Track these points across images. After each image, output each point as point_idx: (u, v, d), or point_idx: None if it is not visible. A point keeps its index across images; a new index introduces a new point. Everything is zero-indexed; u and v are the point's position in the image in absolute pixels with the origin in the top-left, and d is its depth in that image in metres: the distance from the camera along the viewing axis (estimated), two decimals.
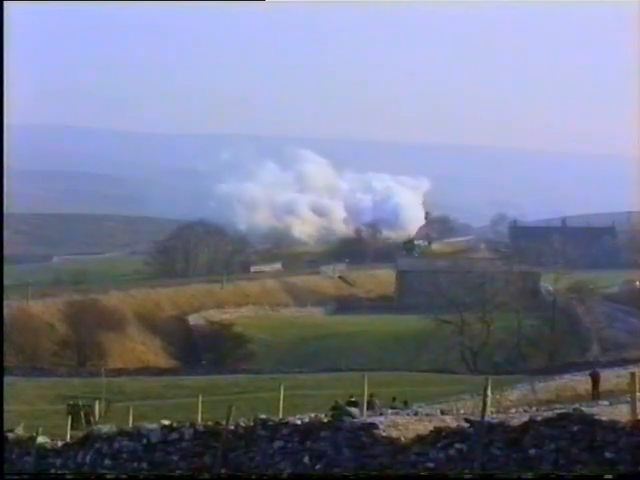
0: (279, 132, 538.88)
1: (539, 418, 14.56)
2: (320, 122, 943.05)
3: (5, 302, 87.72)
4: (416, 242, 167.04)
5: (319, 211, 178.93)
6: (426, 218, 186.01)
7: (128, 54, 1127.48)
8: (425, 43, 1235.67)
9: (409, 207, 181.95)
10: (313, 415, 18.12)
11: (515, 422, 14.66)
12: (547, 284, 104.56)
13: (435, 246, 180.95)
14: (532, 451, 14.13)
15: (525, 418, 14.87)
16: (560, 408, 21.18)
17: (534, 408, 35.66)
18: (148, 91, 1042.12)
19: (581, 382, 50.92)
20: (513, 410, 34.42)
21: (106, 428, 18.89)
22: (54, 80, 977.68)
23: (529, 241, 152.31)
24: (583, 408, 14.87)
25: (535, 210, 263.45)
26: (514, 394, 48.52)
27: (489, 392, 15.26)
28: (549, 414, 15.01)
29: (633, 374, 14.89)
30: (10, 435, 20.21)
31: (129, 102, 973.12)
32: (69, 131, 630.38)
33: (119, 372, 70.47)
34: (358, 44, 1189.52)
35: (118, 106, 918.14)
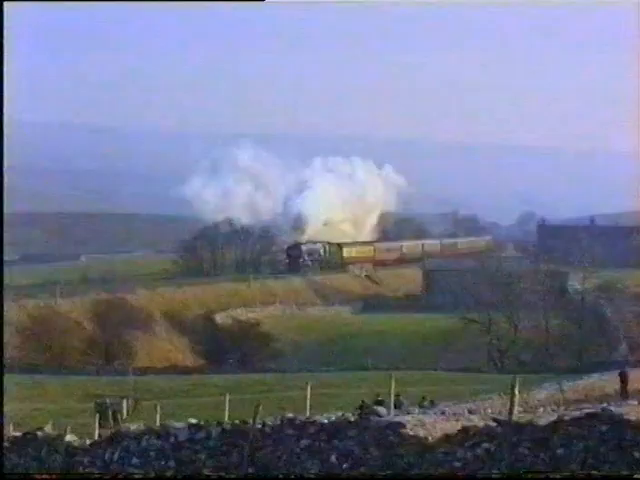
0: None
1: (567, 418, 14.49)
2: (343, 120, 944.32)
3: (34, 301, 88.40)
4: (306, 247, 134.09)
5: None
6: (326, 223, 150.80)
7: (145, 53, 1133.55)
8: (425, 43, 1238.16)
9: (318, 206, 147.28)
10: (340, 414, 18.10)
11: (543, 422, 14.59)
12: (575, 283, 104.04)
13: (430, 246, 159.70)
14: (560, 451, 14.07)
15: (553, 418, 14.79)
16: (588, 407, 21.05)
17: (562, 407, 35.51)
18: (179, 89, 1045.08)
19: (609, 381, 50.67)
20: (541, 409, 34.27)
21: (134, 426, 18.96)
22: (77, 78, 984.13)
23: (557, 240, 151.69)
24: (612, 407, 14.79)
25: (563, 209, 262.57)
26: (542, 393, 48.31)
27: (517, 391, 15.19)
28: (577, 414, 14.93)
29: None
30: (39, 433, 20.31)
31: (155, 100, 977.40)
32: (94, 130, 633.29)
33: (146, 370, 70.75)
34: (358, 44, 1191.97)
35: (144, 105, 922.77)
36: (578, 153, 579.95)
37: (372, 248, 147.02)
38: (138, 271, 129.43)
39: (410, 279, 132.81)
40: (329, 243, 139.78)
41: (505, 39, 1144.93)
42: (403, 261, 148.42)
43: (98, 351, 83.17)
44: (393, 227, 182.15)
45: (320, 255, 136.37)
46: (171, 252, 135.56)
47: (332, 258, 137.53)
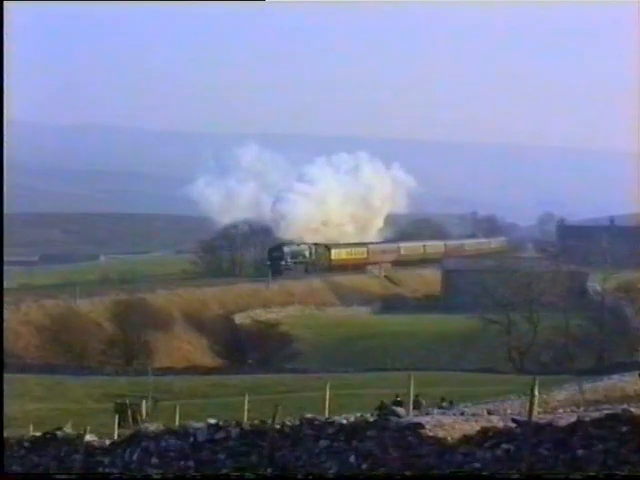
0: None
1: (587, 419, 14.43)
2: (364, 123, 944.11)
3: (54, 301, 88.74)
4: (289, 248, 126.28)
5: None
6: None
7: (164, 53, 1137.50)
8: (426, 43, 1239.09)
9: (305, 206, 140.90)
10: (359, 414, 18.08)
11: (563, 422, 14.54)
12: (595, 284, 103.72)
13: (432, 248, 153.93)
14: (580, 452, 14.02)
15: (573, 419, 14.74)
16: (608, 409, 20.97)
17: (582, 408, 35.37)
18: (194, 90, 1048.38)
19: (630, 382, 50.46)
20: (561, 410, 34.14)
21: (153, 426, 19.00)
22: (94, 79, 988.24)
23: (577, 240, 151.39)
24: (632, 409, 14.72)
25: (582, 208, 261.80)
26: (561, 394, 48.15)
27: (536, 392, 15.15)
28: (597, 415, 14.86)
29: None
30: (59, 433, 20.38)
31: (172, 101, 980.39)
32: (112, 131, 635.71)
33: (166, 371, 70.80)
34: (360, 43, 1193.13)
35: (161, 105, 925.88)
36: (597, 152, 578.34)
37: (365, 250, 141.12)
38: (157, 271, 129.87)
39: (429, 280, 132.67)
40: (316, 244, 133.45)
41: (518, 37, 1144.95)
42: (400, 263, 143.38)
43: (118, 351, 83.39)
44: (411, 228, 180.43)
45: (305, 257, 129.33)
46: (190, 252, 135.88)
47: (319, 260, 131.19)
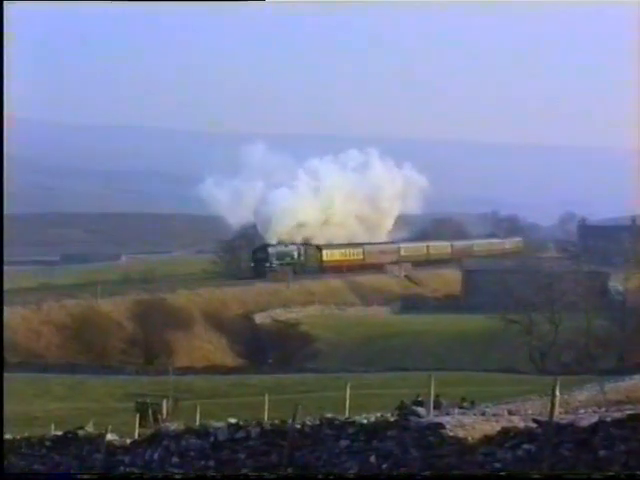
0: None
1: (609, 419, 14.37)
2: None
3: (75, 301, 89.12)
4: (275, 249, 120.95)
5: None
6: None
7: (189, 54, 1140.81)
8: (428, 42, 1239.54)
9: (295, 204, 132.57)
10: (379, 414, 18.08)
11: (584, 423, 14.49)
12: (617, 283, 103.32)
13: (436, 249, 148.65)
14: (602, 452, 13.97)
15: (594, 419, 14.68)
16: (630, 409, 20.88)
17: (603, 409, 35.22)
18: (212, 90, 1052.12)
19: None
20: (582, 411, 34.00)
21: (174, 426, 19.06)
22: (112, 78, 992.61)
23: (598, 240, 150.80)
24: None
25: (604, 208, 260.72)
26: (583, 395, 47.94)
27: (557, 392, 15.09)
28: (619, 415, 14.80)
29: None
30: (80, 432, 20.46)
31: (194, 101, 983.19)
32: (129, 131, 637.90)
33: (186, 370, 71.00)
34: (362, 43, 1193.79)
35: (182, 105, 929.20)
36: (616, 152, 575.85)
37: (361, 250, 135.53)
38: (178, 271, 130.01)
39: (450, 279, 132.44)
40: (306, 245, 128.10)
41: (531, 35, 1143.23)
42: (401, 264, 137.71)
43: (138, 351, 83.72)
44: (430, 228, 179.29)
45: (293, 258, 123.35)
46: (210, 252, 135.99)
47: (309, 261, 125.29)
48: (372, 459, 15.77)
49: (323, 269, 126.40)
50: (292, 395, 49.26)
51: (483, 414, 26.17)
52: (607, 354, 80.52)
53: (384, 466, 15.59)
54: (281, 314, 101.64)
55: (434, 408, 27.74)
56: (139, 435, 20.26)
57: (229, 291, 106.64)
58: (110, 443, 19.36)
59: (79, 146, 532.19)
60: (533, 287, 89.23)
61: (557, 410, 14.90)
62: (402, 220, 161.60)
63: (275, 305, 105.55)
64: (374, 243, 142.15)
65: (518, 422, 15.66)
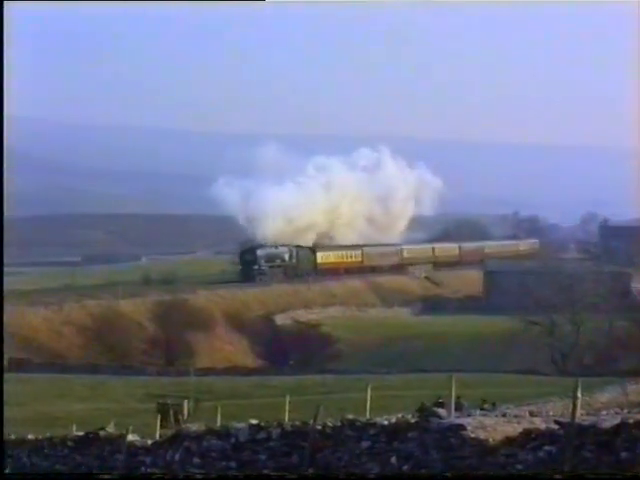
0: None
1: (631, 420, 14.31)
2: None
3: (96, 301, 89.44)
4: (263, 251, 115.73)
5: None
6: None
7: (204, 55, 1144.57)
8: (428, 43, 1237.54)
9: (285, 204, 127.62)
10: (400, 416, 18.05)
11: (606, 424, 14.43)
12: (638, 284, 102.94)
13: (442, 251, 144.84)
14: (624, 454, 13.91)
15: (616, 420, 14.62)
16: None
17: (625, 410, 35.10)
18: (228, 92, 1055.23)
19: None
20: (604, 412, 33.90)
21: (195, 427, 19.08)
22: (132, 80, 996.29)
23: (620, 240, 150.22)
24: None
25: (626, 209, 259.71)
26: (604, 396, 47.80)
27: (579, 394, 15.04)
28: None
29: None
30: (101, 433, 20.52)
31: (209, 103, 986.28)
32: (146, 132, 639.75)
33: (207, 371, 71.11)
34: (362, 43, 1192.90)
35: (200, 107, 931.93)
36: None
37: (360, 252, 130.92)
38: (198, 272, 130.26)
39: (470, 281, 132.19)
40: (298, 247, 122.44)
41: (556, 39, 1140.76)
42: (403, 267, 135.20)
43: (159, 352, 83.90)
44: (453, 229, 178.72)
45: (284, 260, 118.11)
46: (230, 253, 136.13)
47: (301, 264, 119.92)
48: (393, 460, 15.76)
49: (317, 272, 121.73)
50: (313, 396, 49.23)
51: (504, 415, 26.11)
52: (629, 355, 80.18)
53: (405, 467, 15.58)
54: (302, 315, 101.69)
55: (455, 409, 27.69)
56: (160, 436, 20.30)
57: (250, 292, 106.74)
58: (131, 444, 19.41)
59: (100, 147, 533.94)
60: (554, 288, 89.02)
61: (579, 412, 14.84)
62: (417, 221, 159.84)
63: (296, 306, 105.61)
64: (374, 245, 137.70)
65: (540, 423, 15.61)
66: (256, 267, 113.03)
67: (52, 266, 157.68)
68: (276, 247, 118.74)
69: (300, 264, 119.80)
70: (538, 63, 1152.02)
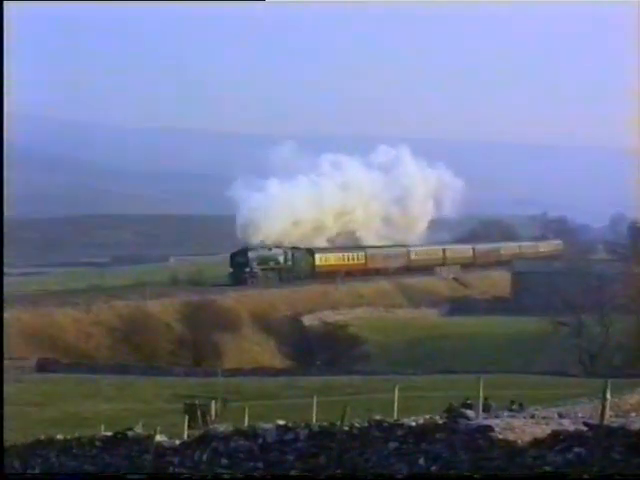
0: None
1: None
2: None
3: (124, 302, 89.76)
4: (256, 253, 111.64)
5: None
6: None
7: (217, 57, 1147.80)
8: (429, 42, 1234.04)
9: (282, 205, 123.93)
10: (428, 417, 18.02)
11: (635, 426, 14.34)
12: None
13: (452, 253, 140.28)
14: None
15: None
16: None
17: None
18: (253, 93, 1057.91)
19: None
20: (633, 414, 33.71)
21: (222, 427, 19.10)
22: (152, 80, 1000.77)
23: None
24: None
25: None
26: (634, 398, 47.46)
27: (608, 395, 14.96)
28: None
29: None
30: (129, 433, 20.59)
31: (230, 103, 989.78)
32: (173, 132, 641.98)
33: (235, 372, 71.24)
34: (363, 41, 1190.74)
35: (221, 107, 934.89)
36: None
37: (363, 254, 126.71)
38: (226, 273, 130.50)
39: (499, 281, 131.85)
40: (295, 248, 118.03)
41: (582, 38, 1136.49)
42: (411, 269, 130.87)
43: (187, 352, 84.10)
44: (482, 229, 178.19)
45: (278, 263, 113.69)
46: None
47: (297, 266, 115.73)
48: (421, 461, 15.73)
49: (316, 275, 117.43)
50: (340, 397, 49.23)
51: (533, 417, 26.01)
52: None
53: (433, 468, 15.55)
54: (329, 316, 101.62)
55: (483, 411, 27.62)
56: (188, 436, 20.34)
57: (277, 292, 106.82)
58: (159, 444, 19.45)
59: (128, 148, 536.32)
60: (583, 289, 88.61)
61: (608, 413, 14.77)
62: (441, 222, 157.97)
63: (323, 307, 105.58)
64: (379, 246, 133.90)
65: (568, 425, 15.53)
66: (247, 269, 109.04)
67: (82, 267, 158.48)
68: (269, 249, 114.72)
69: (296, 266, 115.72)
70: (556, 61, 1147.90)
